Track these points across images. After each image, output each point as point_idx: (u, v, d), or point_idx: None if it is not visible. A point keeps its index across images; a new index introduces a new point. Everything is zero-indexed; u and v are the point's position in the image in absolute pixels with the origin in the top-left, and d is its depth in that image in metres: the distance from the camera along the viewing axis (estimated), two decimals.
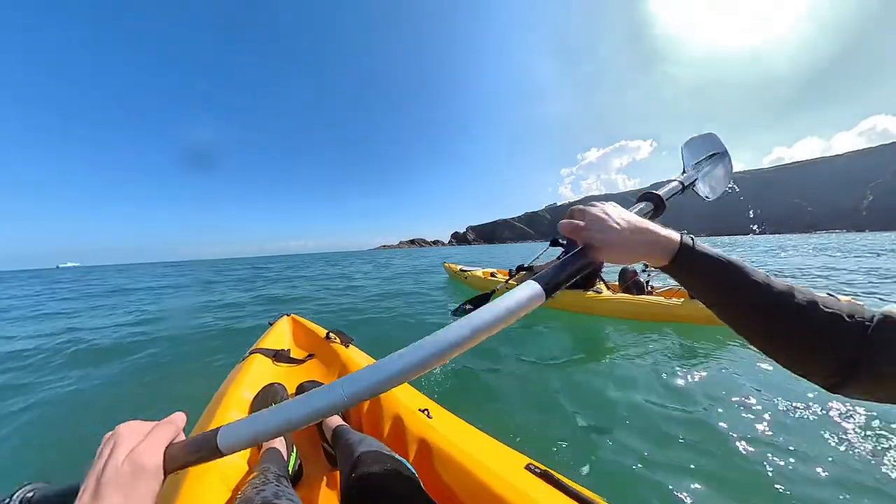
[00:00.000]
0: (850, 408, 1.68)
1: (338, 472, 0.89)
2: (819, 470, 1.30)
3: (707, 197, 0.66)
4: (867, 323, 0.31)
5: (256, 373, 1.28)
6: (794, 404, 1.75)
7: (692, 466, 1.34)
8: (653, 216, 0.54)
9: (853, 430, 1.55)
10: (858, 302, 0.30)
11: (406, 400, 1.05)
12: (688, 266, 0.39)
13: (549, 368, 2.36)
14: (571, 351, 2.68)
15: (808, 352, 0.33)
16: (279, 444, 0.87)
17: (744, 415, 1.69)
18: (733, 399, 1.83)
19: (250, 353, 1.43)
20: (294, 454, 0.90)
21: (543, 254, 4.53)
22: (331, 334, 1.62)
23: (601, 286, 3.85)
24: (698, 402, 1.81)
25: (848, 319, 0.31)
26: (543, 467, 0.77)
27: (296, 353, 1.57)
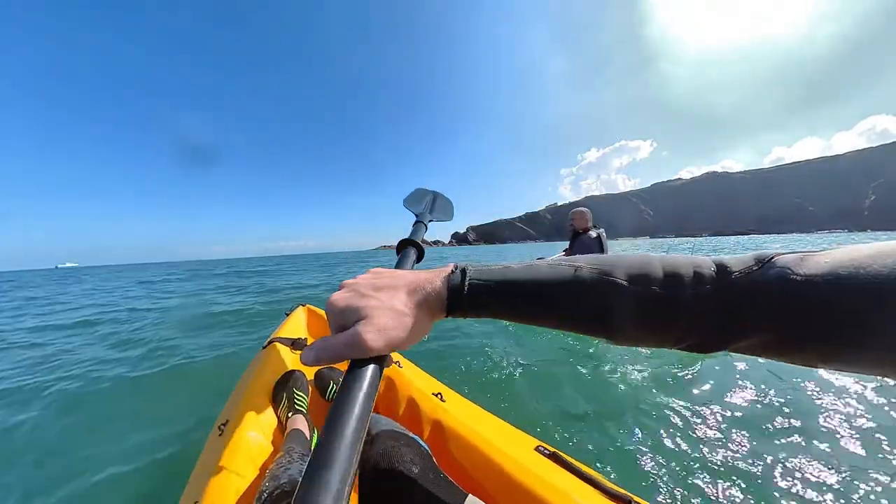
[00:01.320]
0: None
1: None
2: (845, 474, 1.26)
3: (444, 220, 0.80)
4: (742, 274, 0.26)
5: (276, 361, 1.34)
6: (793, 395, 1.75)
7: (692, 454, 1.36)
8: (416, 263, 0.50)
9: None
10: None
11: (420, 384, 1.09)
12: (469, 310, 0.32)
13: (556, 362, 2.44)
14: (576, 347, 2.72)
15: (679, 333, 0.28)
16: (302, 425, 0.93)
17: (740, 409, 1.71)
18: (731, 393, 1.86)
19: (269, 343, 1.49)
20: (315, 435, 0.96)
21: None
22: None
23: None
24: (698, 395, 1.84)
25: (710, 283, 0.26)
26: (552, 449, 0.79)
27: (312, 342, 1.63)
